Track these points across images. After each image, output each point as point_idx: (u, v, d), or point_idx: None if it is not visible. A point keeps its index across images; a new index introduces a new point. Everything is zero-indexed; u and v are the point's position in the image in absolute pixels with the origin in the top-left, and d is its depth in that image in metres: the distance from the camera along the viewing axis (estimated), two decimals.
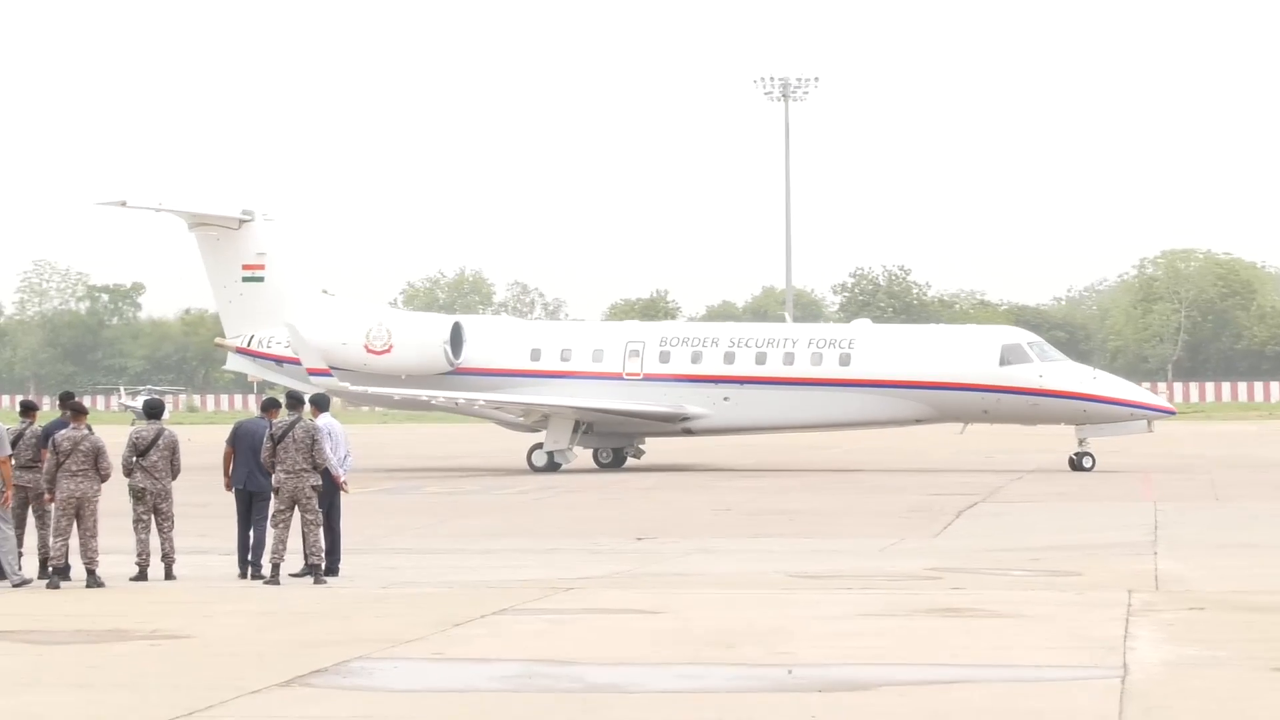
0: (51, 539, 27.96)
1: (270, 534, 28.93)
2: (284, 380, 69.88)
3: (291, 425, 28.93)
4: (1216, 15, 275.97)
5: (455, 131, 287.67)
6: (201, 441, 54.70)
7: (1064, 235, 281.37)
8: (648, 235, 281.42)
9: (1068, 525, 39.25)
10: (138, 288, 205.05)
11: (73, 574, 27.78)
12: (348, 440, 29.97)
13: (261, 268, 67.18)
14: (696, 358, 64.50)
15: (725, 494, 51.31)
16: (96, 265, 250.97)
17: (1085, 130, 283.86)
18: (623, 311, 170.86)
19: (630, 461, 65.43)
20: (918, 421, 66.05)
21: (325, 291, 70.95)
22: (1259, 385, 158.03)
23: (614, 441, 65.56)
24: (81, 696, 18.16)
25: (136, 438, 28.92)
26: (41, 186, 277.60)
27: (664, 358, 64.60)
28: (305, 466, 28.60)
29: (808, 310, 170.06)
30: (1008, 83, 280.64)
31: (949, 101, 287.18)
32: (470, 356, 64.97)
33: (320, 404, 30.12)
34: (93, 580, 27.69)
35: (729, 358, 64.27)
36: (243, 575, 29.05)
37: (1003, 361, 62.04)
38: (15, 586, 27.74)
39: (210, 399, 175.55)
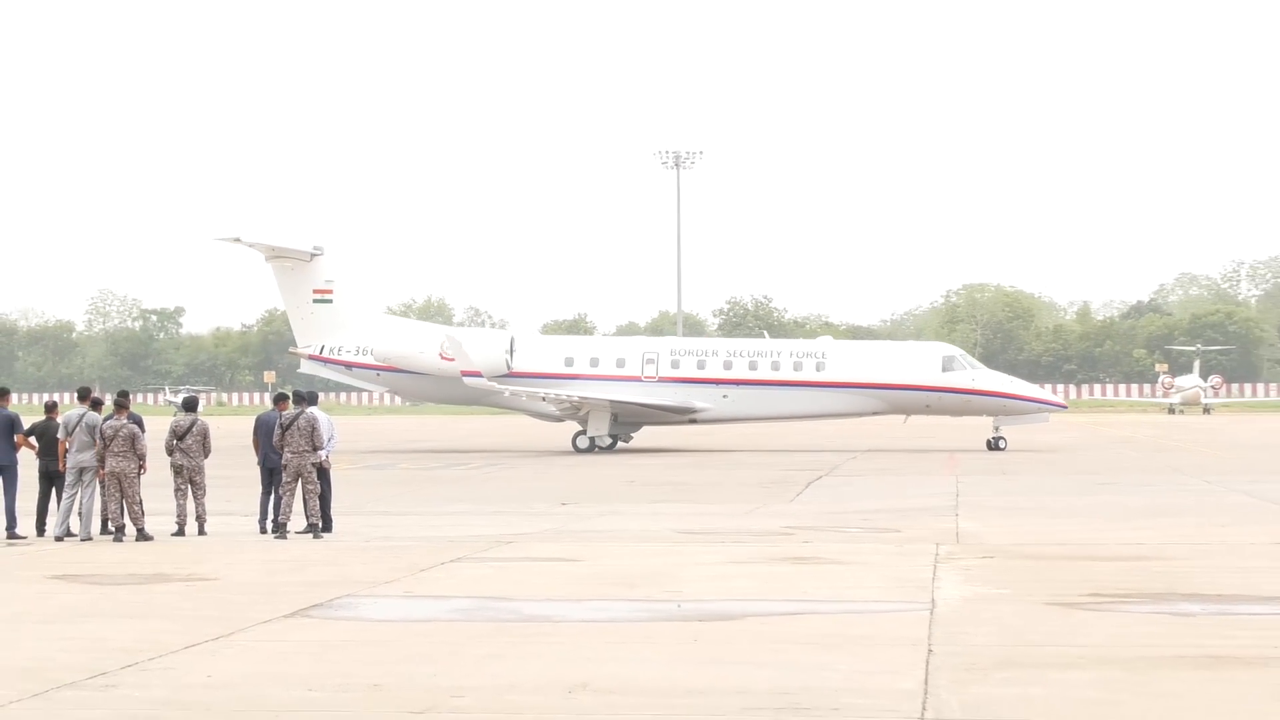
0: (109, 505, 27.86)
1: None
2: (351, 381, 70.23)
3: (297, 416, 28.85)
4: (1012, 89, 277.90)
5: (421, 187, 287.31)
6: (227, 429, 54.45)
7: (888, 270, 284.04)
8: (571, 269, 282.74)
9: (890, 493, 39.34)
10: (179, 310, 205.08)
11: (128, 531, 27.65)
12: (332, 427, 29.83)
13: (330, 292, 67.27)
14: (701, 365, 65.70)
15: (632, 470, 51.29)
16: (147, 291, 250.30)
17: (902, 190, 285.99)
18: (553, 329, 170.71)
19: (619, 445, 65.06)
20: (875, 414, 67.08)
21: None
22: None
23: (627, 429, 65.75)
24: (134, 625, 18.04)
25: (176, 425, 28.86)
26: (103, 226, 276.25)
27: (674, 364, 65.71)
28: (307, 448, 28.56)
29: (694, 329, 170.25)
30: (842, 155, 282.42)
31: (801, 169, 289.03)
32: (519, 363, 65.20)
33: (311, 399, 29.96)
34: (142, 536, 27.54)
35: (727, 365, 65.60)
36: (262, 531, 28.99)
37: (944, 369, 64.00)
38: (82, 541, 27.62)
39: (234, 396, 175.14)
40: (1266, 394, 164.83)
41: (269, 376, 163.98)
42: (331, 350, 67.11)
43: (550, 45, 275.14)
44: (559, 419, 66.16)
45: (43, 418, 29.48)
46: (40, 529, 28.59)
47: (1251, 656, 15.53)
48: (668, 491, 40.81)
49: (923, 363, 64.66)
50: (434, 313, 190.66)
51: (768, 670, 14.90)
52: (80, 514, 27.96)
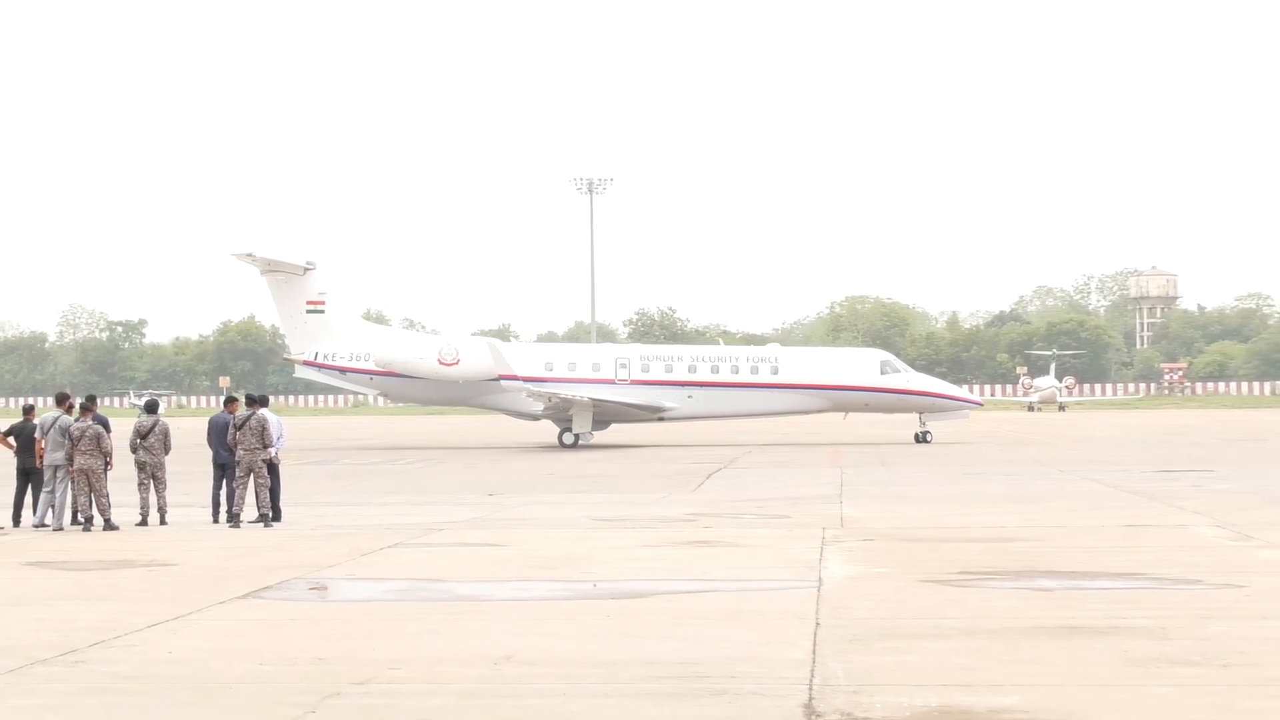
0: (79, 498, 27.63)
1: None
2: (344, 385, 69.66)
3: (249, 416, 28.69)
4: (887, 124, 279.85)
5: (355, 207, 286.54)
6: (186, 429, 53.90)
7: (779, 284, 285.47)
8: (495, 283, 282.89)
9: (781, 483, 39.41)
10: (142, 322, 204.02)
11: (96, 521, 27.42)
12: (281, 426, 29.64)
13: (322, 303, 66.90)
14: (668, 369, 66.31)
15: (552, 463, 51.20)
16: (113, 305, 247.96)
17: (791, 211, 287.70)
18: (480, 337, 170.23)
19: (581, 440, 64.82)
20: (820, 411, 68.32)
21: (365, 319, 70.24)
22: None
23: (599, 427, 65.49)
24: (101, 607, 17.84)
25: (140, 426, 28.66)
26: (72, 245, 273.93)
27: (644, 369, 66.26)
28: (258, 445, 28.40)
29: (606, 337, 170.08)
30: (738, 182, 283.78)
31: (702, 194, 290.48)
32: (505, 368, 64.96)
33: (263, 402, 29.79)
34: (108, 525, 27.30)
35: (692, 369, 66.21)
36: (215, 521, 28.77)
37: (881, 372, 65.63)
38: (54, 531, 27.34)
39: (193, 399, 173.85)
40: (1114, 393, 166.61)
41: (224, 381, 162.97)
42: (325, 357, 66.92)
43: (479, 84, 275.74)
44: (537, 418, 66.30)
45: (21, 419, 29.18)
46: (16, 520, 28.30)
47: (1102, 626, 15.65)
48: (584, 483, 40.75)
49: (863, 367, 66.14)
50: (374, 322, 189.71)
51: (673, 643, 14.89)
52: (53, 506, 27.70)
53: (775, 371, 65.75)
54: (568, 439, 63.36)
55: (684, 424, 70.77)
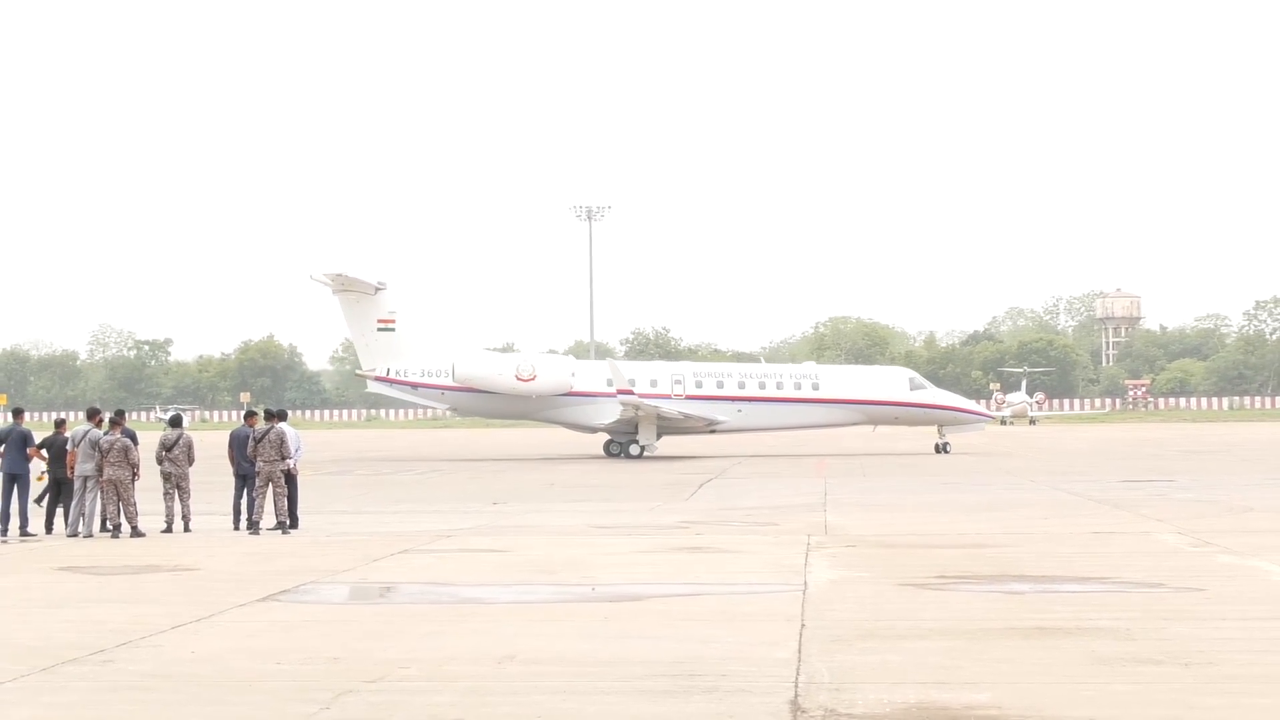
0: (108, 507, 27.60)
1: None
2: (416, 399, 69.15)
3: (268, 430, 28.67)
4: (865, 153, 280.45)
5: (373, 229, 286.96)
6: (209, 442, 53.81)
7: (766, 304, 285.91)
8: (501, 303, 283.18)
9: (768, 493, 39.34)
10: (168, 341, 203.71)
11: (124, 529, 27.41)
12: (298, 439, 29.62)
13: (392, 322, 66.74)
14: (720, 385, 67.05)
15: (552, 473, 51.14)
16: (140, 325, 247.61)
17: (777, 236, 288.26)
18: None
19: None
20: (855, 424, 68.97)
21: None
22: None
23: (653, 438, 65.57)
24: (128, 609, 17.81)
25: (165, 439, 28.67)
26: (102, 268, 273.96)
27: (698, 385, 66.98)
28: (276, 457, 28.37)
29: (604, 355, 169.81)
30: (728, 208, 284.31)
31: (694, 220, 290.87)
32: (576, 384, 65.59)
33: (281, 416, 29.76)
34: (135, 533, 27.28)
35: (741, 385, 67.06)
36: (236, 528, 28.73)
37: (911, 388, 66.67)
38: (85, 538, 27.30)
39: (215, 414, 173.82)
40: (1081, 408, 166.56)
41: (244, 397, 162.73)
42: (397, 372, 66.79)
43: (488, 118, 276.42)
44: (595, 431, 66.36)
45: (53, 432, 29.18)
46: (49, 527, 28.26)
47: (1070, 627, 15.64)
48: (583, 492, 40.70)
49: (894, 383, 67.15)
50: None
51: (667, 643, 14.87)
52: (84, 515, 27.67)
53: (816, 388, 66.79)
54: (634, 450, 63.81)
55: (732, 435, 70.61)
